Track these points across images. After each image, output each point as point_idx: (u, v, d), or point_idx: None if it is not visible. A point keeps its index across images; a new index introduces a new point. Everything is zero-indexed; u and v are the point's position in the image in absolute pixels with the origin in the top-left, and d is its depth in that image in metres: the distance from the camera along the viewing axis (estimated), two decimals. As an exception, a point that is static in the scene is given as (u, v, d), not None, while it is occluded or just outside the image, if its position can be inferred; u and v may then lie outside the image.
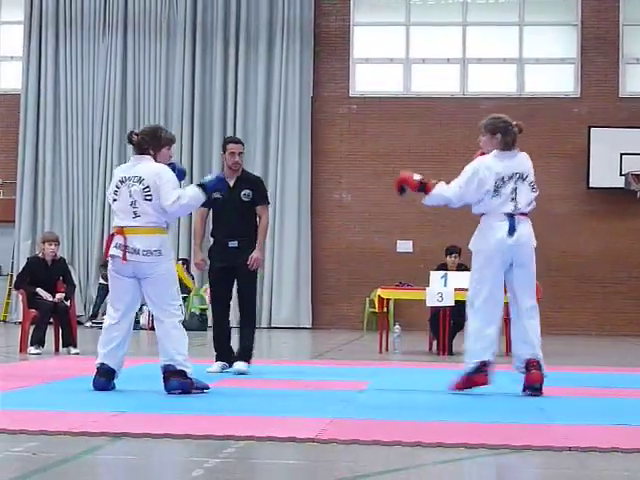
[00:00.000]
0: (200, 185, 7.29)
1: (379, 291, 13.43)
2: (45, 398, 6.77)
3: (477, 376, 7.23)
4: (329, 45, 21.05)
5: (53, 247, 11.89)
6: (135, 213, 7.07)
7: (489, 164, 7.31)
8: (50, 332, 11.69)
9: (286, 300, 20.58)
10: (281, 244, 20.68)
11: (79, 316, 14.75)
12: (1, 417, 5.57)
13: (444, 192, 7.38)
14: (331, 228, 20.75)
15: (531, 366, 7.24)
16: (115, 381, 7.23)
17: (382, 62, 21.25)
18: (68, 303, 11.79)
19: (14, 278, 15.41)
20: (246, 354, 8.92)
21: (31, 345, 11.43)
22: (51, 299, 11.68)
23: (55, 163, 21.07)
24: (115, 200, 7.18)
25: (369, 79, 21.19)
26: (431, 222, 20.13)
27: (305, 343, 16.49)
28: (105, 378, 7.18)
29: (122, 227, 7.11)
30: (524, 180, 7.31)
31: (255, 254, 8.77)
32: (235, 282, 8.93)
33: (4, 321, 20.78)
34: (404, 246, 20.52)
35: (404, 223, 20.47)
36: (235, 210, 8.83)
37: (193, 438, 4.99)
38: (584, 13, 20.62)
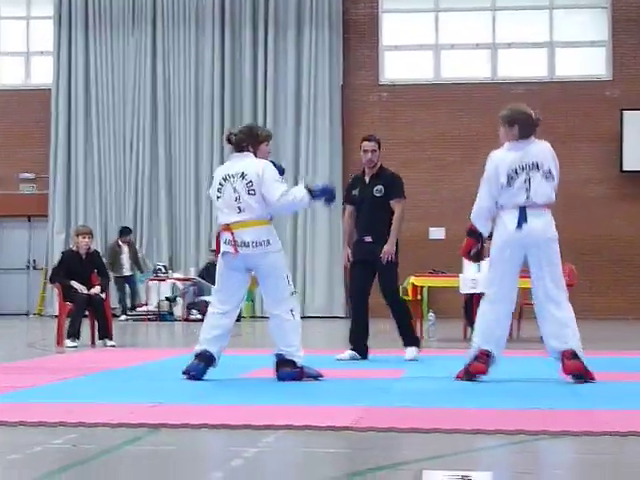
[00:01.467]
0: (309, 190, 7.27)
1: (412, 279, 13.38)
2: (83, 390, 6.81)
3: (474, 364, 7.19)
4: (358, 32, 21.00)
5: (87, 240, 11.98)
6: (239, 208, 7.15)
7: (500, 157, 7.23)
8: (86, 325, 11.77)
9: (319, 289, 20.62)
10: (313, 233, 20.71)
11: (113, 309, 14.80)
12: (40, 410, 5.62)
13: (478, 209, 7.50)
14: (363, 216, 20.64)
15: (565, 357, 7.18)
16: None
17: (411, 49, 21.18)
18: (103, 295, 11.86)
19: (49, 272, 15.53)
20: (412, 341, 9.19)
21: (67, 338, 11.50)
22: (86, 292, 11.75)
23: (87, 157, 21.20)
24: (219, 197, 7.25)
25: (399, 66, 21.12)
26: (464, 209, 19.87)
27: (339, 332, 16.43)
28: (205, 363, 7.24)
29: (228, 224, 7.20)
30: (538, 169, 7.14)
31: (386, 247, 9.01)
32: (377, 277, 9.17)
33: (40, 315, 20.93)
34: (436, 233, 20.44)
35: (436, 210, 20.40)
36: (368, 206, 9.11)
37: (231, 428, 5.00)
38: (614, -5, 20.45)
